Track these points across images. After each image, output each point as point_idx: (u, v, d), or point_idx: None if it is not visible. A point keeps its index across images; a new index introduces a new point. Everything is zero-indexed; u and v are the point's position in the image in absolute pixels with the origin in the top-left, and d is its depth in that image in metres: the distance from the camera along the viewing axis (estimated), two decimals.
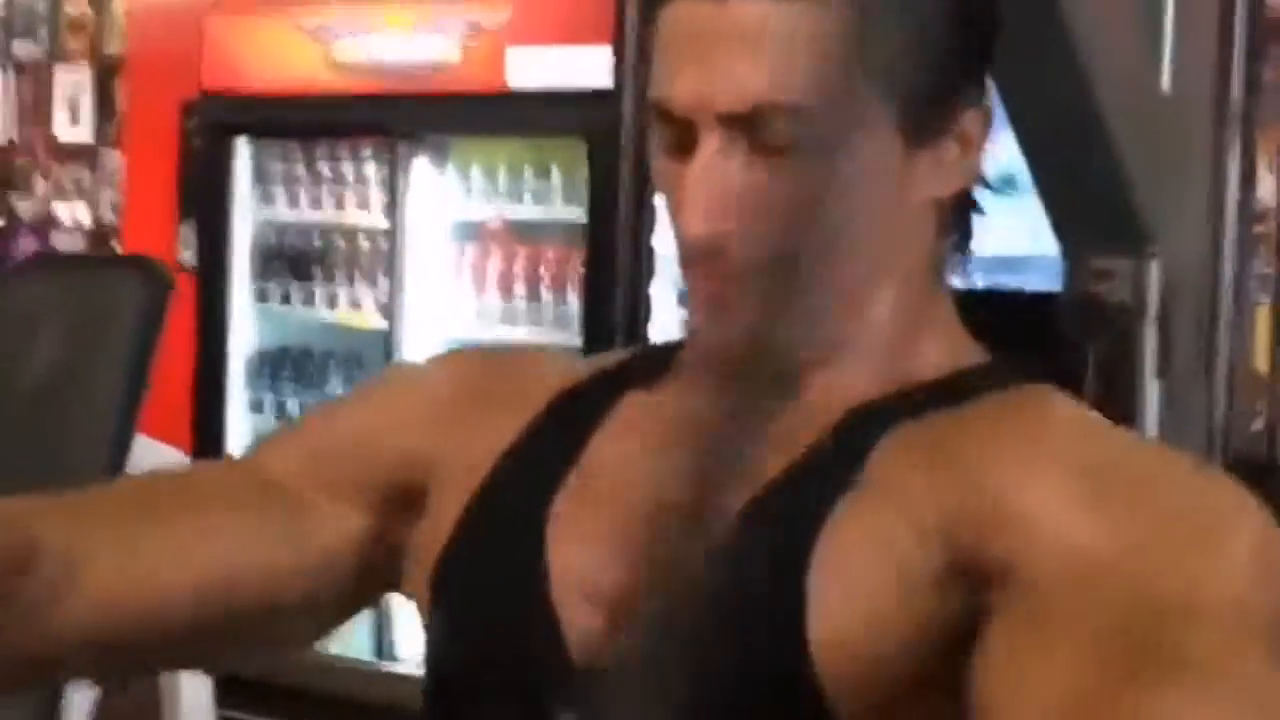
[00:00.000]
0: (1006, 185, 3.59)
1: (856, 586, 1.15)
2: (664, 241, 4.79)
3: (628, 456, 1.28)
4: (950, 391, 1.23)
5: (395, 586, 1.36)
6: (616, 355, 1.42)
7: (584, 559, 1.24)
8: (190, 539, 1.29)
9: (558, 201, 5.15)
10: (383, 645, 5.24)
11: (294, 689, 4.89)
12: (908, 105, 1.21)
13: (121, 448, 2.52)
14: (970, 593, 1.13)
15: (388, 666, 5.22)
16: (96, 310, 2.58)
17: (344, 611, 1.39)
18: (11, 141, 6.82)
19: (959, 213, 1.28)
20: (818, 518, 1.17)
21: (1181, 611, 1.05)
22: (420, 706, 1.32)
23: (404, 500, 1.34)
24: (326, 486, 1.34)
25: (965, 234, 1.30)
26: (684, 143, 1.22)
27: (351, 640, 5.14)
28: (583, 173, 4.94)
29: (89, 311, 2.57)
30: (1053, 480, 1.13)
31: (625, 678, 1.21)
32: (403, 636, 5.19)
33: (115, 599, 1.22)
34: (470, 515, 1.30)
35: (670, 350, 1.34)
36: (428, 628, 1.32)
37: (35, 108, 6.73)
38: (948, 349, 1.28)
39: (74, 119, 6.61)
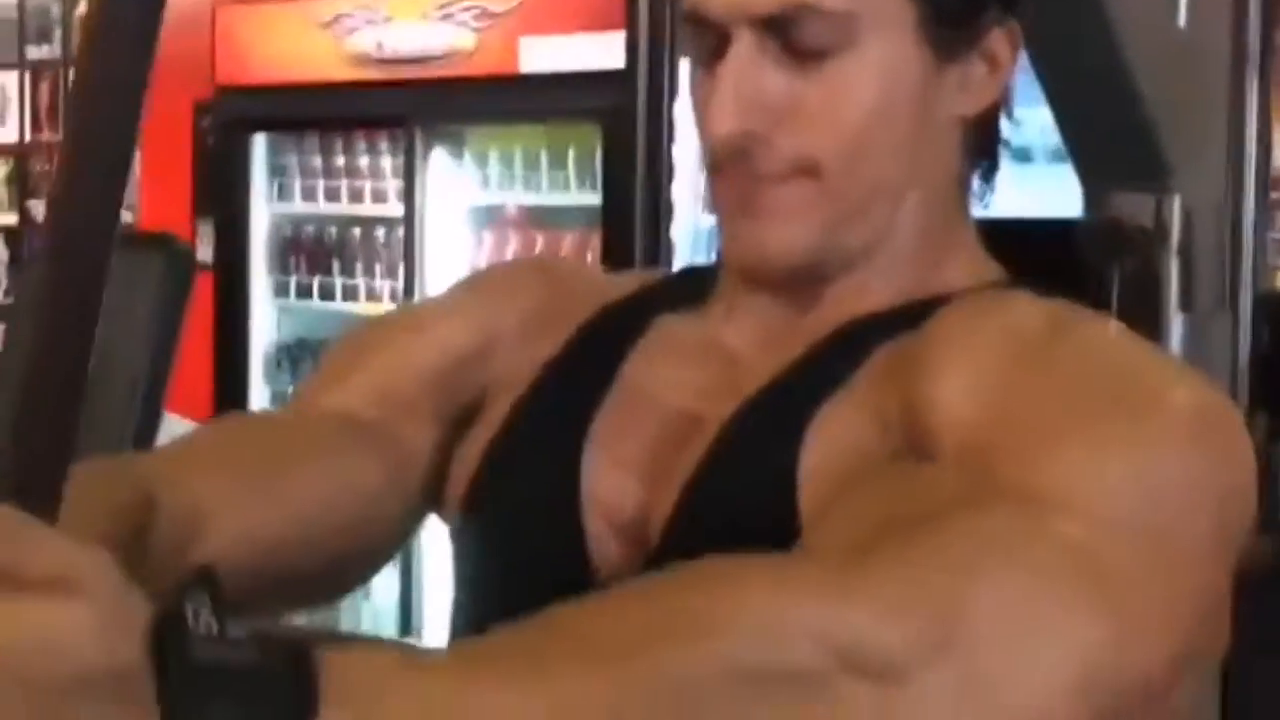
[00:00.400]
0: (1020, 157, 3.58)
1: (835, 475, 1.14)
2: (682, 230, 4.79)
3: (659, 380, 1.28)
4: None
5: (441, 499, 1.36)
6: (656, 274, 1.42)
7: (611, 480, 1.24)
8: (296, 488, 1.26)
9: (574, 187, 5.16)
10: (409, 621, 5.23)
11: None
12: (937, 17, 1.21)
13: (149, 424, 2.53)
14: None
15: (413, 642, 5.22)
16: (119, 288, 2.58)
17: (415, 529, 1.40)
18: (27, 144, 6.84)
19: (984, 136, 1.28)
20: (807, 414, 1.17)
21: (1045, 499, 1.00)
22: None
23: (468, 416, 1.35)
24: (403, 415, 1.33)
25: (991, 163, 1.30)
26: (718, 50, 1.21)
27: (377, 616, 5.14)
28: (599, 157, 4.94)
29: (112, 290, 2.58)
30: (966, 368, 1.11)
31: None
32: (428, 612, 5.18)
33: (237, 550, 1.19)
34: (510, 426, 1.30)
35: (708, 271, 1.35)
36: (459, 537, 1.32)
37: (50, 111, 6.75)
38: (969, 270, 1.28)
39: None
